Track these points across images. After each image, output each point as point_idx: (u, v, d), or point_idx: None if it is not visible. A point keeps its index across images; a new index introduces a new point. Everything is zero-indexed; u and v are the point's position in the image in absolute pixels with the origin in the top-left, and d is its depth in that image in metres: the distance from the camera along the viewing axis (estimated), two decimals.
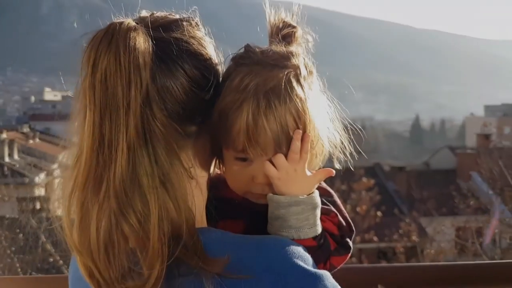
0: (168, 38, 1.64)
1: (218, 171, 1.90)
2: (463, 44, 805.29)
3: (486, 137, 35.87)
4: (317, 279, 1.55)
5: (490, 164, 22.00)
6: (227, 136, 1.70)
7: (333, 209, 1.84)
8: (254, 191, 1.77)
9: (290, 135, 1.68)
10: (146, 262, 1.49)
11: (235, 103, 1.69)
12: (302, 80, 1.74)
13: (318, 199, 1.75)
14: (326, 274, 1.58)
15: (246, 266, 1.51)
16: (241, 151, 1.69)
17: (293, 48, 1.81)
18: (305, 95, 1.71)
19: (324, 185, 1.90)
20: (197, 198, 1.65)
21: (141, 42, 1.54)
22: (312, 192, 1.75)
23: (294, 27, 1.85)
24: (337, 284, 1.60)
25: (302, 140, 1.70)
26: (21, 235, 19.14)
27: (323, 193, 1.83)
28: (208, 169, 1.80)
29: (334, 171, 1.82)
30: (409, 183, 34.19)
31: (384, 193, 33.90)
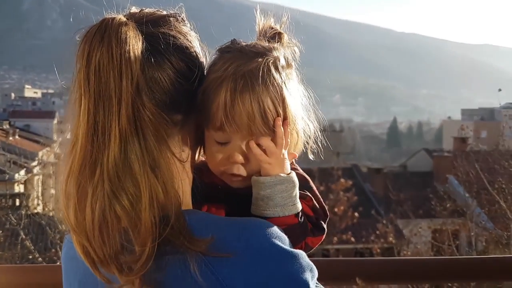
0: (156, 32, 1.74)
1: (203, 158, 1.99)
2: (442, 48, 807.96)
3: (463, 140, 35.98)
4: (293, 257, 1.64)
5: (466, 167, 22.04)
6: (207, 114, 1.81)
7: (308, 194, 1.97)
8: (230, 171, 1.87)
9: (267, 117, 1.79)
10: (138, 241, 1.58)
11: (216, 82, 1.81)
12: (280, 68, 1.85)
13: (296, 178, 1.87)
14: (301, 253, 1.68)
15: (228, 245, 1.60)
16: (219, 128, 1.80)
17: (276, 45, 1.92)
18: (282, 81, 1.83)
19: (301, 171, 2.03)
20: (183, 182, 1.77)
21: (132, 36, 1.64)
22: (290, 172, 1.88)
23: (280, 32, 1.97)
24: (311, 263, 1.69)
25: (283, 125, 1.82)
26: (0, 231, 19.04)
27: (301, 179, 1.94)
28: (193, 156, 1.89)
29: (297, 155, 1.97)
30: (386, 185, 34.22)
31: (362, 194, 34.01)
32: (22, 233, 18.11)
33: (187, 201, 1.83)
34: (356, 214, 26.83)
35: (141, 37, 1.68)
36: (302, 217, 1.89)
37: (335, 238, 24.15)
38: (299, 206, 1.88)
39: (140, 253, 1.57)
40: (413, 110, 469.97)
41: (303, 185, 1.97)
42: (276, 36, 1.95)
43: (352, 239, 25.84)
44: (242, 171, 1.87)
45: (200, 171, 1.95)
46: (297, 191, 1.88)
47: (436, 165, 43.01)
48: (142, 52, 1.65)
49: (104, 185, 1.59)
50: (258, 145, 1.82)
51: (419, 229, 24.26)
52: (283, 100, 1.82)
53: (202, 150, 1.96)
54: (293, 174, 1.87)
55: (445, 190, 23.85)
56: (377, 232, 25.05)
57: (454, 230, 23.00)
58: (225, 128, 1.79)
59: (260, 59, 1.82)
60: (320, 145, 2.01)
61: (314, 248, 2.00)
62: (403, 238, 25.87)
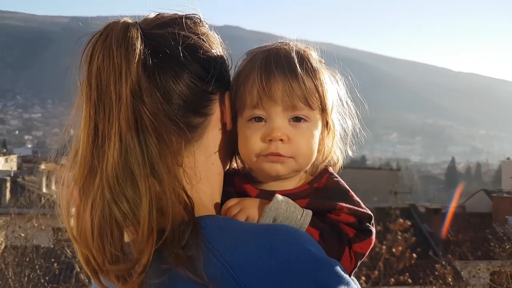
0: (164, 33, 1.71)
1: (235, 165, 1.97)
2: (499, 88, 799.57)
3: None
4: (326, 265, 1.52)
5: None
6: (242, 96, 1.79)
7: (333, 203, 1.82)
8: (267, 151, 1.77)
9: (306, 89, 1.76)
10: (136, 247, 1.53)
11: (248, 66, 1.82)
12: (313, 56, 1.87)
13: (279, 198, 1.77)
14: (336, 262, 1.55)
15: (252, 253, 1.49)
16: (255, 105, 1.77)
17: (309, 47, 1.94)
18: (317, 64, 1.84)
19: (340, 180, 1.92)
20: (208, 185, 1.75)
21: (134, 37, 1.60)
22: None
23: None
24: (348, 277, 1.54)
25: None
26: (56, 264, 19.27)
27: (338, 191, 1.87)
28: (217, 162, 1.84)
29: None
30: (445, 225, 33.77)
31: (419, 235, 33.55)
32: (77, 266, 18.29)
33: (209, 206, 1.78)
34: (414, 255, 26.47)
35: (142, 37, 1.63)
36: (323, 228, 1.74)
37: (392, 279, 23.81)
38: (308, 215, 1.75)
39: (137, 260, 1.52)
40: (471, 150, 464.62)
41: (343, 197, 1.84)
42: None
43: (410, 280, 25.46)
44: (281, 149, 1.77)
45: (229, 180, 1.90)
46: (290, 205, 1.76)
47: (495, 206, 42.37)
48: (144, 53, 1.61)
49: (104, 191, 1.54)
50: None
51: (477, 270, 23.84)
52: (319, 78, 1.80)
53: (233, 158, 1.95)
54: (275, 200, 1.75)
55: (504, 231, 23.52)
56: (436, 273, 24.70)
57: None
58: (262, 103, 1.76)
59: (293, 46, 1.84)
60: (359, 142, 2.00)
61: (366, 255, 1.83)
62: (461, 280, 25.42)
